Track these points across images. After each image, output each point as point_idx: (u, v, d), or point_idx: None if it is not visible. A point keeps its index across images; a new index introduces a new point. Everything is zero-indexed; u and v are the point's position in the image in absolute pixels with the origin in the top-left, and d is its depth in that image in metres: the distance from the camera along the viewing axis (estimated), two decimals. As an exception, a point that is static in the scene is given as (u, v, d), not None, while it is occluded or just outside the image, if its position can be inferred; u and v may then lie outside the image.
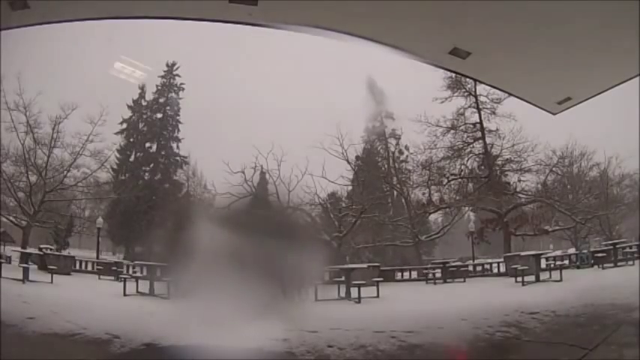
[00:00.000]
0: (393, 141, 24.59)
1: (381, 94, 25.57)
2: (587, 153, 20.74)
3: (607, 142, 19.55)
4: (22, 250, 15.37)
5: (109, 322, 6.99)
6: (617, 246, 15.33)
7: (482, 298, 10.85)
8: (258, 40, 18.79)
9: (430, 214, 22.23)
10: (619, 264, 14.46)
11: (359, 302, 11.42)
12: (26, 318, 6.79)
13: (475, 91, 21.65)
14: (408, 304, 11.28)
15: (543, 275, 13.36)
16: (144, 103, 25.12)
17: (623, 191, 20.96)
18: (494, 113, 21.56)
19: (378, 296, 11.95)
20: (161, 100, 25.15)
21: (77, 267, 16.14)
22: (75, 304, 8.80)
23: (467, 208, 21.99)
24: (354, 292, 11.81)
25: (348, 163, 21.62)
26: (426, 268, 17.44)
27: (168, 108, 25.19)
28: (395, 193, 23.69)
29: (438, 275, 16.26)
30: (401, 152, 24.13)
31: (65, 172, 19.42)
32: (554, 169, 20.89)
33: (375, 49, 7.99)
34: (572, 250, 18.26)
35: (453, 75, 19.99)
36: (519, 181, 21.18)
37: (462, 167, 21.72)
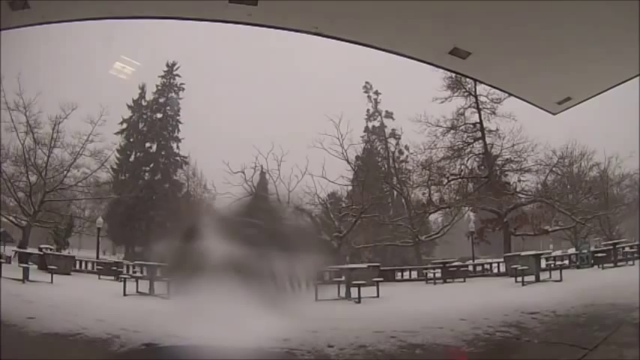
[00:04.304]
0: (393, 141, 24.66)
1: (380, 94, 25.67)
2: (587, 153, 20.80)
3: (607, 142, 19.61)
4: (22, 250, 15.37)
5: (109, 322, 6.99)
6: (617, 246, 15.33)
7: (482, 298, 10.84)
8: (258, 40, 18.86)
9: (430, 214, 22.25)
10: (619, 264, 14.46)
11: (359, 302, 11.42)
12: (26, 318, 6.78)
13: (475, 91, 21.68)
14: (408, 304, 11.28)
15: (543, 275, 13.35)
16: (144, 103, 25.18)
17: (623, 191, 20.99)
18: (494, 113, 21.61)
19: (378, 296, 11.95)
20: (161, 100, 25.20)
21: (77, 267, 16.14)
22: (75, 304, 8.80)
23: (467, 208, 22.01)
24: (354, 292, 11.81)
25: (348, 163, 21.69)
26: (426, 268, 17.44)
27: (168, 108, 25.24)
28: (395, 193, 23.71)
29: (438, 275, 16.25)
30: (401, 152, 24.20)
31: (65, 172, 19.45)
32: (554, 169, 20.91)
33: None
34: (572, 250, 18.26)
35: (453, 75, 20.01)
36: (519, 181, 21.25)
37: (462, 167, 21.76)
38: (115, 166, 23.38)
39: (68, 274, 14.94)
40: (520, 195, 21.15)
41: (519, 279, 13.12)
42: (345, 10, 6.67)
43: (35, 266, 14.02)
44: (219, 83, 25.30)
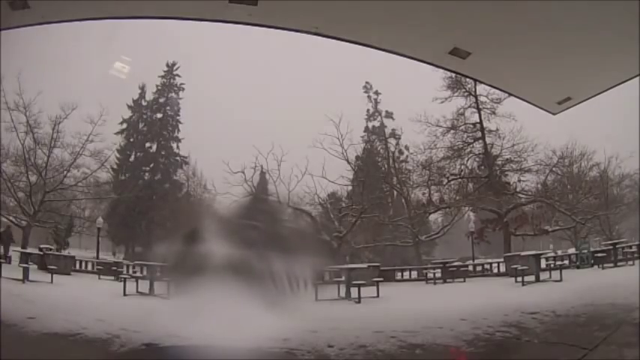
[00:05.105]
0: (393, 141, 24.66)
1: (380, 94, 25.67)
2: (587, 153, 20.81)
3: (607, 142, 19.60)
4: (22, 250, 15.36)
5: (109, 322, 6.99)
6: (617, 246, 15.32)
7: (482, 298, 10.83)
8: (257, 40, 18.86)
9: (430, 214, 22.26)
10: (619, 264, 14.45)
11: (359, 302, 11.42)
12: (26, 318, 6.78)
13: (475, 91, 21.68)
14: (408, 304, 11.28)
15: (543, 275, 13.35)
16: (144, 103, 25.17)
17: (623, 191, 20.99)
18: (494, 113, 21.62)
19: (378, 296, 11.95)
20: (161, 100, 25.19)
21: (77, 267, 16.14)
22: (75, 304, 8.80)
23: (467, 208, 22.00)
24: (354, 292, 11.81)
25: (348, 163, 21.70)
26: (426, 268, 17.44)
27: (168, 108, 25.23)
28: (395, 193, 23.70)
29: (438, 275, 16.25)
30: (401, 152, 24.19)
31: (65, 172, 19.46)
32: (554, 169, 20.92)
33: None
34: (572, 250, 18.25)
35: (453, 75, 20.02)
36: (519, 181, 21.26)
37: (462, 167, 21.77)
38: (115, 166, 23.37)
39: (68, 274, 14.93)
40: (520, 195, 21.16)
41: (519, 279, 13.12)
42: (345, 10, 6.67)
43: (35, 266, 14.02)
44: (220, 83, 25.28)
